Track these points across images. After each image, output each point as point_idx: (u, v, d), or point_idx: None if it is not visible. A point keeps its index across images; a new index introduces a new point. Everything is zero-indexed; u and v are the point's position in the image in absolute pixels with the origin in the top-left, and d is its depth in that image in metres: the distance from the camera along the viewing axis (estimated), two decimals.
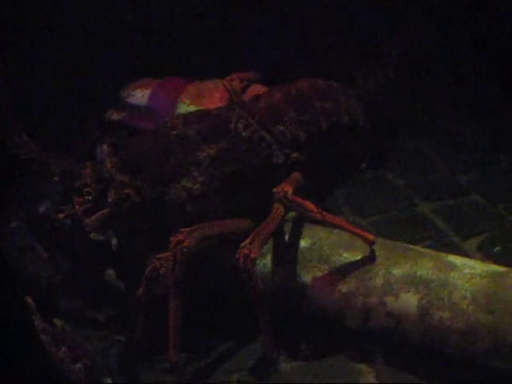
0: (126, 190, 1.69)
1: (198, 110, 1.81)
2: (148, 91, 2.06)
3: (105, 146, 1.86)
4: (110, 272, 1.91)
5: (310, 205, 1.65)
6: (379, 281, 1.65)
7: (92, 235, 1.84)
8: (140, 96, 2.06)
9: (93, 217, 1.71)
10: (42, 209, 1.92)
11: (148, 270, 1.64)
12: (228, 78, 1.95)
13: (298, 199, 1.66)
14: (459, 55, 2.46)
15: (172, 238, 1.62)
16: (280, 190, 1.67)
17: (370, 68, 2.22)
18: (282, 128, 1.78)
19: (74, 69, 2.18)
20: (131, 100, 2.06)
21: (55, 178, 1.76)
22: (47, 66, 2.14)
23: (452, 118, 2.48)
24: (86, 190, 1.70)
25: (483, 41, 2.46)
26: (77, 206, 1.70)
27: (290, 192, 1.66)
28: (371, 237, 1.67)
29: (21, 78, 2.10)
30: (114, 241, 1.87)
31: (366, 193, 2.19)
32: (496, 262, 1.76)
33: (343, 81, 2.09)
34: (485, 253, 1.95)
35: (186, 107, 1.98)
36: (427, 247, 1.88)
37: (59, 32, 2.18)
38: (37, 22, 2.15)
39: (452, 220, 2.07)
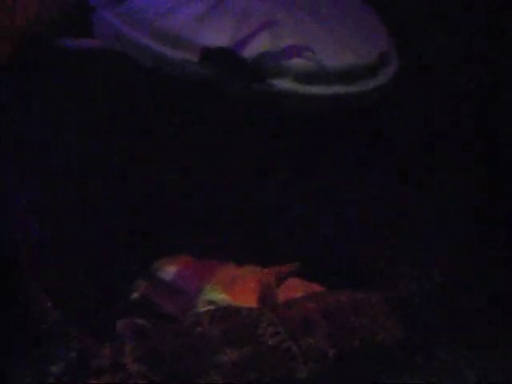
0: (141, 382, 1.65)
1: (228, 307, 1.78)
2: (179, 269, 2.02)
3: (125, 325, 1.80)
4: None
5: None
6: None
7: None
8: (170, 273, 2.01)
9: None
10: (54, 369, 1.87)
11: None
12: (266, 271, 1.95)
13: None
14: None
15: None
16: None
17: (415, 270, 2.18)
18: (311, 341, 1.73)
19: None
20: (160, 275, 2.01)
21: (72, 354, 1.73)
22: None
23: (488, 334, 2.39)
24: (103, 377, 1.66)
25: None
26: None
27: None
28: None
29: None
30: None
31: None
32: None
33: (384, 278, 2.06)
34: None
35: (216, 295, 1.92)
36: None
37: None
38: None
39: None
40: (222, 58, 1.90)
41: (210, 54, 1.89)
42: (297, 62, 1.96)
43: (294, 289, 1.95)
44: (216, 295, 1.93)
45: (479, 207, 2.37)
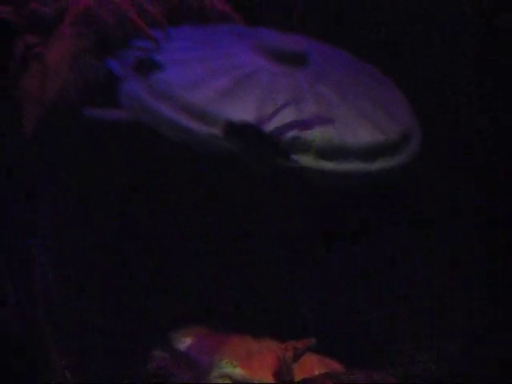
0: None
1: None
2: (195, 340, 2.01)
3: None
4: None
5: None
6: None
7: None
8: (186, 344, 2.01)
9: None
10: None
11: None
12: (283, 346, 1.93)
13: None
14: None
15: None
16: None
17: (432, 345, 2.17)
18: None
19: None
20: (177, 346, 2.01)
21: None
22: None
23: None
24: None
25: None
26: None
27: None
28: None
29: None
30: None
31: None
32: None
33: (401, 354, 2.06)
34: None
35: (233, 369, 1.91)
36: None
37: None
38: None
39: None
40: (247, 133, 1.92)
41: (234, 129, 1.91)
42: (319, 138, 1.98)
43: (311, 365, 1.94)
44: (232, 369, 1.92)
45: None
